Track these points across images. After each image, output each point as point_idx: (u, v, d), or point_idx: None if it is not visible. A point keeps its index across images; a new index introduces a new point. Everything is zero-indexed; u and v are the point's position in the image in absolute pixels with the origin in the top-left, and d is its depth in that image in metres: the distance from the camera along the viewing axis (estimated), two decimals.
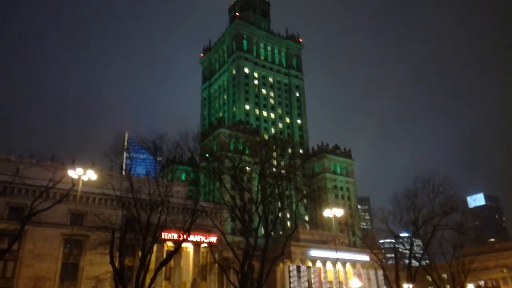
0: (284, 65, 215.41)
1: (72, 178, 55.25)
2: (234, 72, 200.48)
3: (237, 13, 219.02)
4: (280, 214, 78.32)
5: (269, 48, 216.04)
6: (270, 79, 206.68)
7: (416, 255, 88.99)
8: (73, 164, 64.13)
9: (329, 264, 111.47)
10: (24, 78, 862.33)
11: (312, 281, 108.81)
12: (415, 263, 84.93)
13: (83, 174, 55.70)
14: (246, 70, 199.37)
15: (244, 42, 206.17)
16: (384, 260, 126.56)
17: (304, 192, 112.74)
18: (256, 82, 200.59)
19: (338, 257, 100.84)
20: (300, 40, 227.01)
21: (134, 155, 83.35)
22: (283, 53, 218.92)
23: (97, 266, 68.28)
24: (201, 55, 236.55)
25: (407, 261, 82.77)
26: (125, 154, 72.92)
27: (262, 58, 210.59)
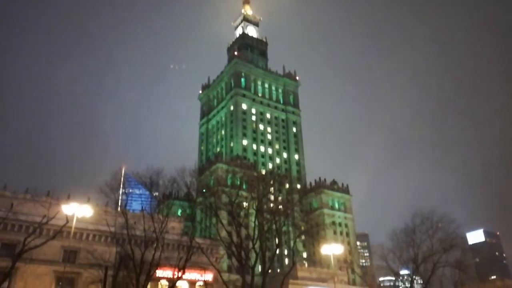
0: (281, 101, 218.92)
1: (66, 214, 54.79)
2: (232, 108, 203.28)
3: (236, 52, 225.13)
4: (277, 251, 77.03)
5: (266, 85, 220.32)
6: (268, 115, 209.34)
7: None
8: (68, 199, 63.73)
9: None
10: (20, 111, 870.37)
11: None
12: None
13: (78, 210, 55.32)
14: (244, 106, 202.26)
15: (242, 79, 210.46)
16: None
17: (302, 228, 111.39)
18: (253, 118, 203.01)
19: None
20: (297, 77, 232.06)
21: (130, 190, 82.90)
22: (280, 90, 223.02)
23: None
24: (200, 92, 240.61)
25: None
26: (121, 190, 72.40)
27: (260, 95, 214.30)
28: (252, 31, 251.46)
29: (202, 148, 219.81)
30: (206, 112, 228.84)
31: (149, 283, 60.65)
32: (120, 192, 72.67)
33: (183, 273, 60.07)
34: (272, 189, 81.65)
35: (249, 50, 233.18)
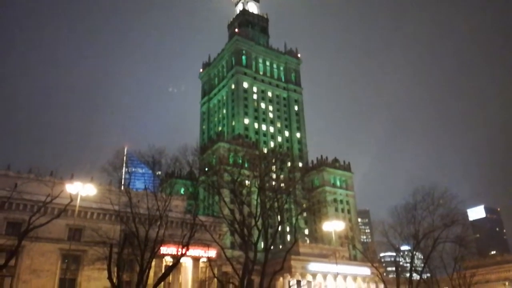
0: (283, 79, 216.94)
1: (70, 193, 55.24)
2: (233, 86, 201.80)
3: (236, 30, 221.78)
4: (279, 228, 77.89)
5: (267, 63, 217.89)
6: (269, 93, 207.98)
7: (417, 268, 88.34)
8: (72, 179, 64.08)
9: (329, 278, 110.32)
10: (22, 94, 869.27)
11: None
12: (416, 276, 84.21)
13: (82, 189, 55.78)
14: (245, 85, 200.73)
15: (243, 57, 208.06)
16: (385, 274, 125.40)
17: (304, 205, 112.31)
18: (255, 96, 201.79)
19: (339, 271, 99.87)
20: (299, 55, 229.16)
21: (133, 169, 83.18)
22: (281, 68, 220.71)
23: (95, 281, 67.57)
24: (201, 70, 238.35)
25: (408, 275, 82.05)
26: (124, 169, 72.69)
27: (261, 72, 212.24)
28: (252, 7, 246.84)
29: (204, 127, 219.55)
30: (207, 91, 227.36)
31: (154, 259, 61.60)
32: (123, 171, 73.02)
33: (187, 250, 60.84)
34: (274, 167, 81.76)
35: (249, 27, 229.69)
